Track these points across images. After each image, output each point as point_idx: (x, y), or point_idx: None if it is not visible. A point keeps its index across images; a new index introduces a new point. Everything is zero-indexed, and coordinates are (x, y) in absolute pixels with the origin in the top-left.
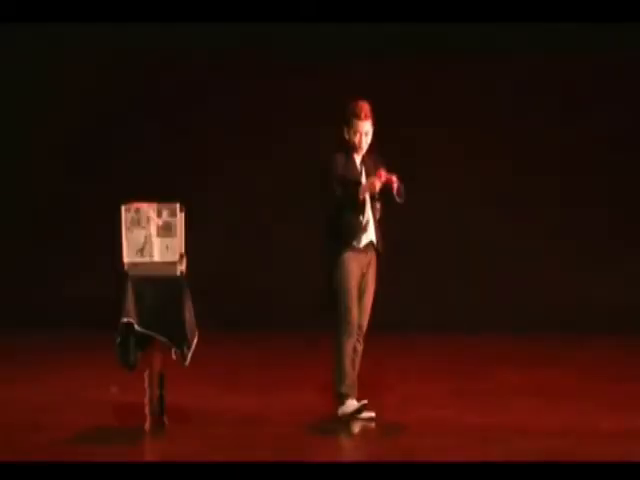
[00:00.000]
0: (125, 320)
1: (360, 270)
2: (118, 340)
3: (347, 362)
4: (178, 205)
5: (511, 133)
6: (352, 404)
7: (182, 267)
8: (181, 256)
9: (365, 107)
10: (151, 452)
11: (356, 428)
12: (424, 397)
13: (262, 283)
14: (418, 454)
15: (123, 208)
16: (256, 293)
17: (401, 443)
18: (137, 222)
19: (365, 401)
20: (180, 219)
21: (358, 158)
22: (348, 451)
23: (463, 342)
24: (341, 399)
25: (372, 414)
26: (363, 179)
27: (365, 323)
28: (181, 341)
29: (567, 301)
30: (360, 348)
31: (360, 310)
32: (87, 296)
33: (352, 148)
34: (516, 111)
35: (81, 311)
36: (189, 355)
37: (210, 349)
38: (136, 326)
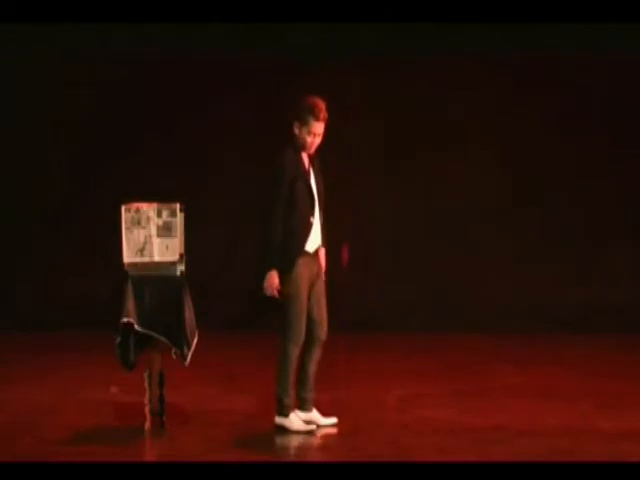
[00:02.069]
0: (125, 320)
1: (310, 276)
2: (118, 340)
3: (292, 371)
4: (178, 205)
5: (510, 134)
6: (298, 423)
7: (182, 267)
8: (181, 256)
9: (324, 108)
10: (151, 452)
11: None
12: (424, 397)
13: (262, 283)
14: (418, 454)
15: (123, 208)
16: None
17: (401, 443)
18: (137, 222)
19: (314, 427)
20: (180, 219)
21: (305, 155)
22: (348, 451)
23: (463, 342)
24: (284, 411)
25: (334, 420)
26: (312, 179)
27: (326, 328)
28: (181, 341)
29: (567, 301)
30: (320, 353)
31: (320, 316)
32: (87, 296)
33: (301, 146)
34: (516, 112)
35: (81, 311)
36: (189, 355)
37: (210, 349)
38: (136, 326)
